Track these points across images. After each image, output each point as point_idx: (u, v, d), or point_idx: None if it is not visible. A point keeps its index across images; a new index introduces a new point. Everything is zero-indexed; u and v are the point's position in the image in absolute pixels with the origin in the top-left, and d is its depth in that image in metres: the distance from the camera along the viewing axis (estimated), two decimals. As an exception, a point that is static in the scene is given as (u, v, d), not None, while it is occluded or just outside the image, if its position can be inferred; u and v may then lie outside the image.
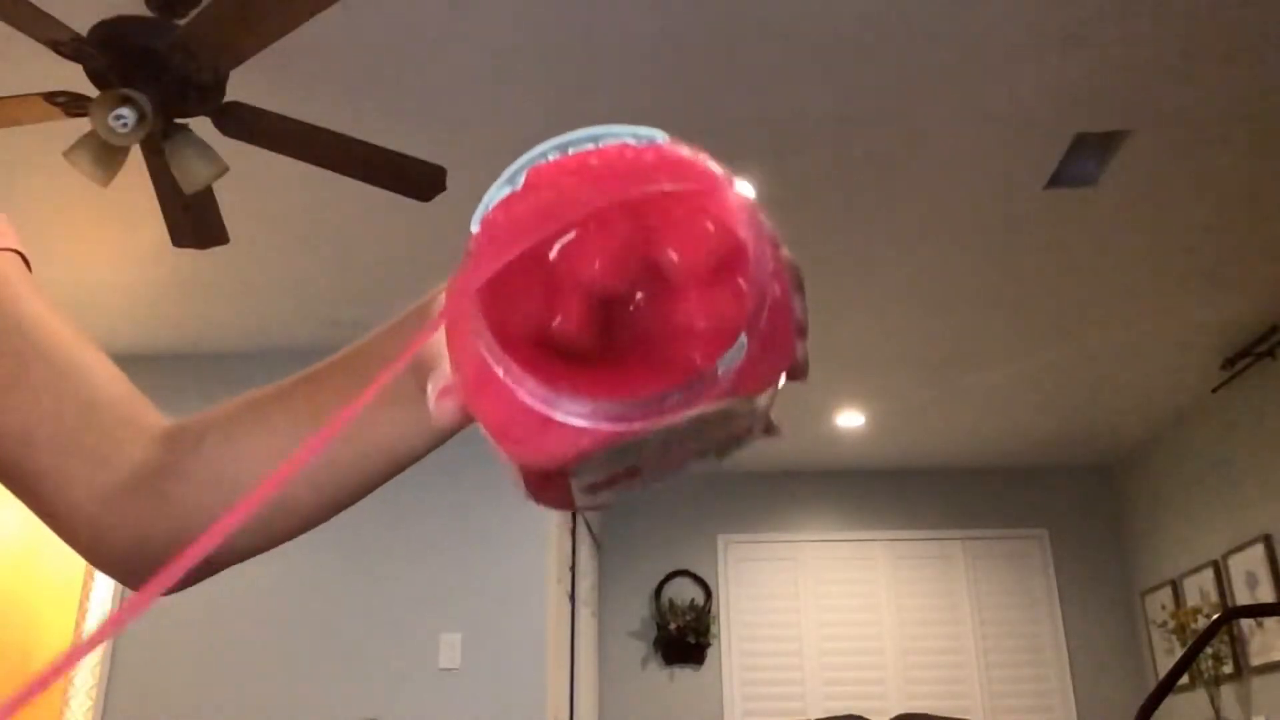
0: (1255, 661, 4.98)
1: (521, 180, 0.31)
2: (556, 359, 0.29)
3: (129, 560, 0.58)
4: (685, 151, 0.30)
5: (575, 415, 0.27)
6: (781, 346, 0.32)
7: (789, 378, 0.35)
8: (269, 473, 0.26)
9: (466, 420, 0.39)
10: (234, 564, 0.57)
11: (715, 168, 0.30)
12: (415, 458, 0.54)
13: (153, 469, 0.57)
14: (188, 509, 0.56)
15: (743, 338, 0.28)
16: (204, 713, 4.23)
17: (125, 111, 2.23)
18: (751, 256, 0.29)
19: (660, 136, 0.31)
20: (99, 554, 0.58)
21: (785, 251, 0.35)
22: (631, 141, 0.31)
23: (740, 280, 0.29)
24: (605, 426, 0.27)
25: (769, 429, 0.35)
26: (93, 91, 2.36)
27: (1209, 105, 3.15)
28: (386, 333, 0.52)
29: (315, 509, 0.56)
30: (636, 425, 0.27)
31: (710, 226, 0.30)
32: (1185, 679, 5.12)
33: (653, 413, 0.27)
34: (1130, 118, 3.22)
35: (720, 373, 0.28)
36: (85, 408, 0.57)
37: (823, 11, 2.78)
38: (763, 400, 0.33)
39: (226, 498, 0.56)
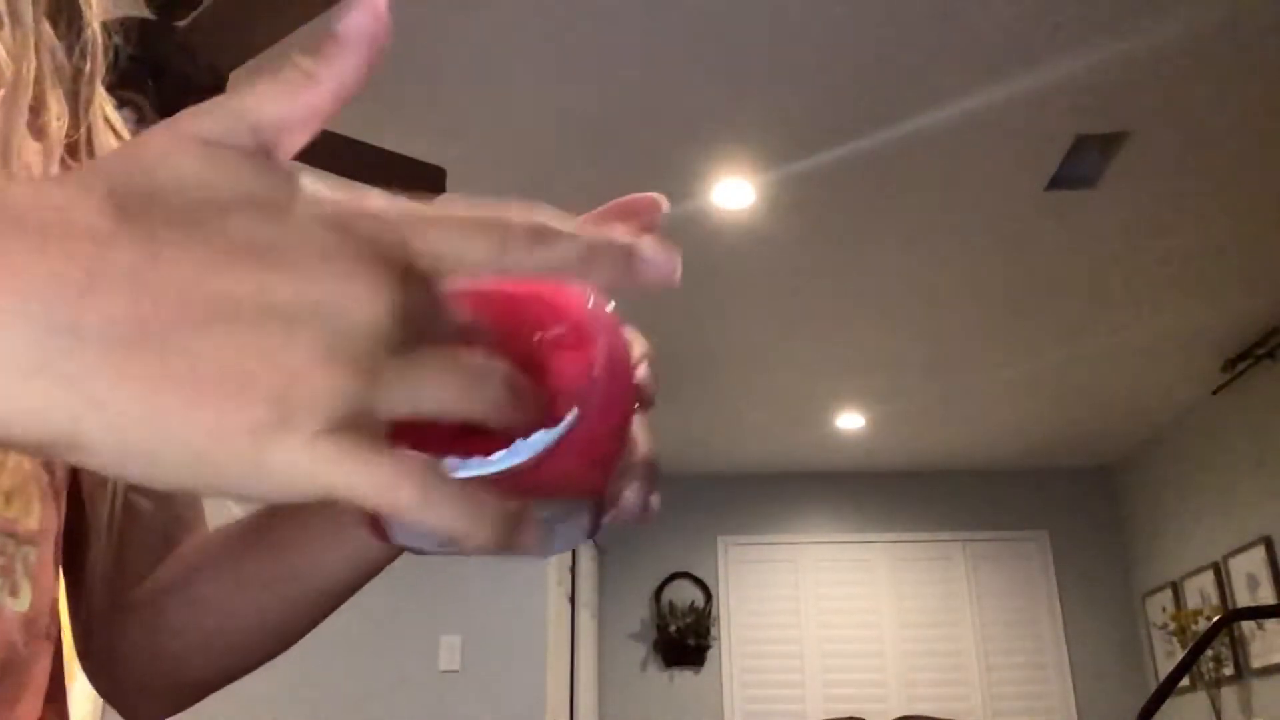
0: (1256, 664, 4.98)
1: None
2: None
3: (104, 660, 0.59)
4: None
5: None
6: (595, 463, 0.33)
7: (609, 505, 0.37)
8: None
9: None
10: (215, 688, 0.59)
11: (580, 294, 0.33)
12: (372, 573, 0.56)
13: (142, 596, 0.58)
14: (156, 643, 0.57)
15: (539, 435, 0.29)
16: (204, 712, 4.22)
17: (124, 113, 2.23)
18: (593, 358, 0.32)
19: None
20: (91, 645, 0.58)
21: (641, 374, 0.38)
22: None
23: (567, 374, 0.31)
24: None
25: (590, 532, 0.37)
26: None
27: (1209, 106, 3.15)
28: None
29: (262, 650, 0.58)
30: None
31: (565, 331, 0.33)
32: (1186, 681, 5.11)
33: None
34: (1130, 118, 3.22)
35: (501, 466, 0.29)
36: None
37: (823, 12, 2.77)
38: (568, 508, 0.34)
39: (188, 643, 0.57)
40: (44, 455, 0.33)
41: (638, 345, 0.39)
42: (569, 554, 5.39)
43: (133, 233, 0.23)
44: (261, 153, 0.26)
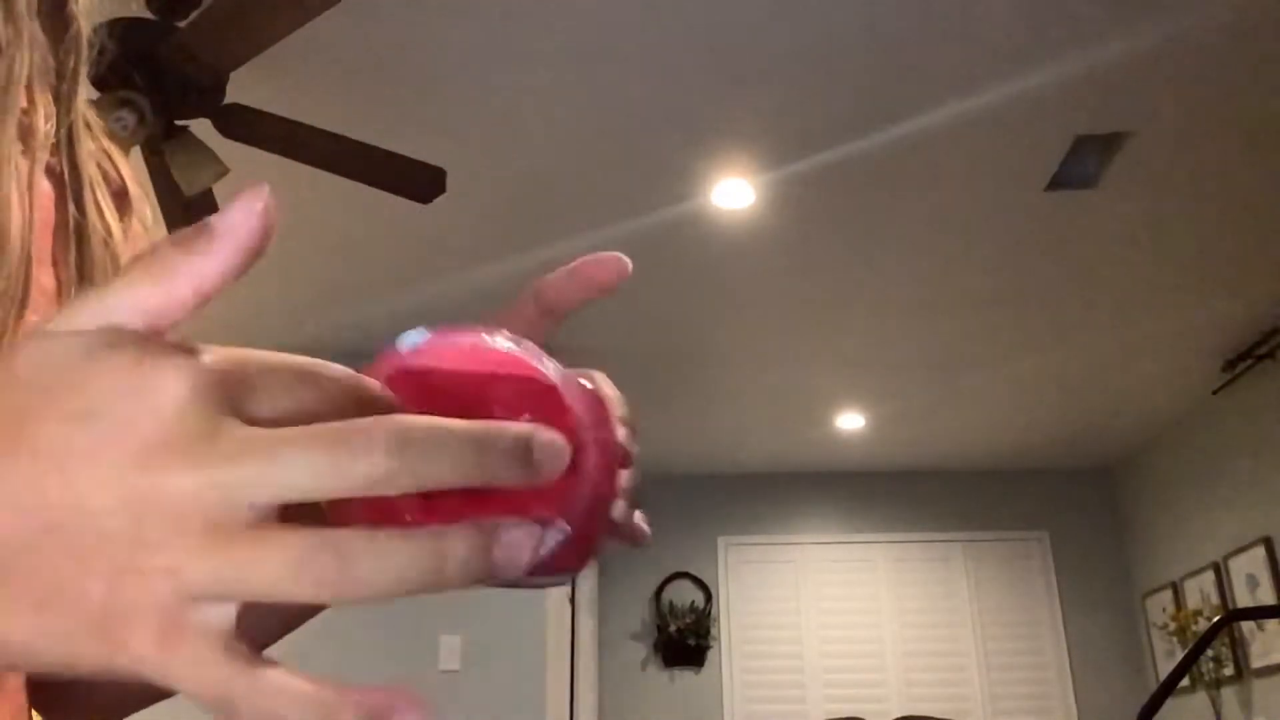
0: (1256, 664, 4.98)
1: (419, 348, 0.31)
2: None
3: None
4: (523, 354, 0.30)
5: None
6: (586, 539, 0.31)
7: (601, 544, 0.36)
8: None
9: None
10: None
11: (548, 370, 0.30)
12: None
13: None
14: None
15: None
16: (203, 712, 4.22)
17: (125, 114, 2.23)
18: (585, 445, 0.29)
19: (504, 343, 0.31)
20: None
21: (622, 435, 0.36)
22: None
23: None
24: None
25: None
26: (92, 94, 2.36)
27: (1209, 106, 3.15)
28: None
29: None
30: None
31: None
32: (1186, 681, 5.11)
33: None
34: (1130, 118, 3.22)
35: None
36: None
37: (822, 12, 2.78)
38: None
39: None
40: None
41: (617, 405, 0.36)
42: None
43: None
44: (114, 337, 0.25)
